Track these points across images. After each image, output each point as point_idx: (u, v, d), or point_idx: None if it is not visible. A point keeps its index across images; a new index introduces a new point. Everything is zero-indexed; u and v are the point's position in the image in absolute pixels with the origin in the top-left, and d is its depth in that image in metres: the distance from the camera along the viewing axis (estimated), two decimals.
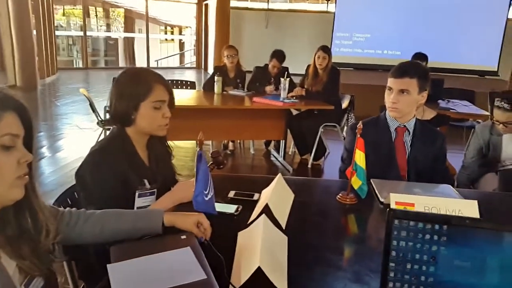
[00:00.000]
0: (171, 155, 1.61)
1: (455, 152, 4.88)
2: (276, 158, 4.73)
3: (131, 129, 1.41)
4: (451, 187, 1.72)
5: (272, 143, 5.05)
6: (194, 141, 4.91)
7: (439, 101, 4.37)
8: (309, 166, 4.48)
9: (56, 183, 3.81)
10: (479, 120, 4.11)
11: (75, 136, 5.44)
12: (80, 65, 14.14)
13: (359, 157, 1.52)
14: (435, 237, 0.90)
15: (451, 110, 4.06)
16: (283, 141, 4.47)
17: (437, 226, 0.90)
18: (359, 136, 1.50)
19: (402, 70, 1.79)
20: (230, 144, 5.02)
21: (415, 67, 1.81)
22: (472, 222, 0.90)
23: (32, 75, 8.80)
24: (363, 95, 5.99)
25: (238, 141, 5.13)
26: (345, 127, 4.46)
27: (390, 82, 1.83)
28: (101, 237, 1.16)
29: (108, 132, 1.51)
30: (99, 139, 1.63)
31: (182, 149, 4.83)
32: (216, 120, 4.10)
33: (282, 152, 4.56)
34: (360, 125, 1.51)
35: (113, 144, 1.39)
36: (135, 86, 1.37)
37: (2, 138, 0.82)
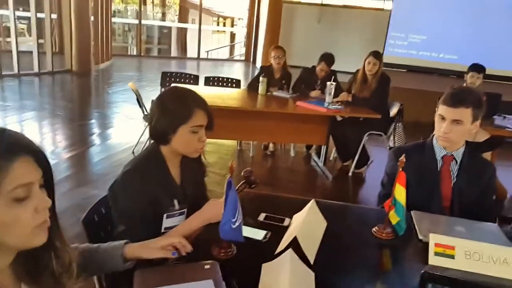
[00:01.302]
0: (204, 173, 1.60)
1: (509, 169, 4.54)
2: (317, 163, 4.63)
3: (166, 148, 1.41)
4: (499, 228, 1.60)
5: (314, 147, 4.95)
6: (236, 141, 4.94)
7: (495, 117, 4.05)
8: (350, 174, 4.36)
9: (101, 173, 3.95)
10: None
11: (124, 125, 5.62)
12: (134, 53, 14.58)
13: (399, 193, 1.43)
14: None
15: (507, 129, 3.70)
16: (325, 146, 4.38)
17: None
18: (400, 170, 1.42)
19: (457, 99, 1.66)
20: (271, 145, 4.98)
21: (471, 96, 1.68)
22: None
23: (87, 60, 9.05)
24: (414, 100, 5.74)
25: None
26: (391, 137, 4.28)
27: (443, 110, 1.70)
28: (89, 271, 1.19)
29: None
30: (136, 152, 1.64)
31: (223, 146, 4.86)
32: (258, 122, 4.08)
33: (323, 158, 4.46)
34: (403, 158, 1.42)
35: (146, 164, 1.39)
36: (178, 108, 1.36)
37: (13, 191, 0.74)
